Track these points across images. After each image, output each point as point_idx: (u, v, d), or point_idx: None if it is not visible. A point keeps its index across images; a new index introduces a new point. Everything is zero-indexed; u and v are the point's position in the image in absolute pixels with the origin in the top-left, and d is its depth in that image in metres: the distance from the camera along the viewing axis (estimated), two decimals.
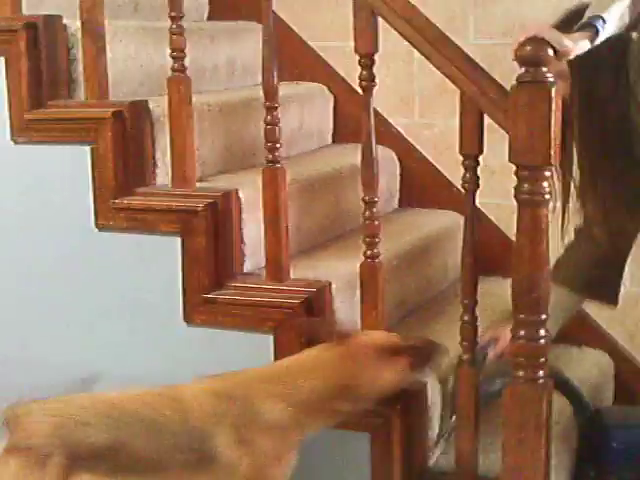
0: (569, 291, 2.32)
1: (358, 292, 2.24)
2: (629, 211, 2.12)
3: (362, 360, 1.97)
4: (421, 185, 3.18)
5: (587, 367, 2.89)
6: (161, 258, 2.35)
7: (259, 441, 1.96)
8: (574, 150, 2.08)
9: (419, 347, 2.04)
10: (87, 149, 2.38)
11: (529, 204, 1.99)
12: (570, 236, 2.28)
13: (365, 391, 1.97)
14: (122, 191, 2.38)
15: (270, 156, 2.29)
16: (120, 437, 1.97)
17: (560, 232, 2.19)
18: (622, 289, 2.40)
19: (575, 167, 2.10)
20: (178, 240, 2.31)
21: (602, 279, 2.32)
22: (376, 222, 2.20)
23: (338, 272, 2.38)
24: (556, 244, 2.29)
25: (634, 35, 2.03)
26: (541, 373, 2.04)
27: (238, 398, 1.98)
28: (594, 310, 2.97)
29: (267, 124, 2.29)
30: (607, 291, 2.36)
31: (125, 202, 2.38)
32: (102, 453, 1.96)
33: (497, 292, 2.73)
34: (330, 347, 2.01)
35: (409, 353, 2.00)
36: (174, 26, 2.35)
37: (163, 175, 2.44)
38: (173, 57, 2.36)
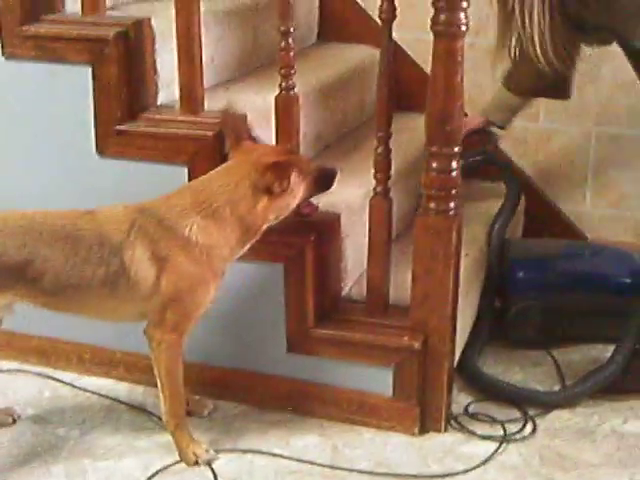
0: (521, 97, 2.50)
1: (274, 125, 2.20)
2: (570, 38, 2.18)
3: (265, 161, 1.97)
4: (340, 19, 3.10)
5: (498, 201, 2.89)
6: (72, 89, 2.28)
7: (174, 258, 1.96)
8: None
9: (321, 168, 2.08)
10: None
11: (444, 35, 1.97)
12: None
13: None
14: (29, 18, 2.28)
15: None
16: (38, 250, 1.95)
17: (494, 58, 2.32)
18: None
19: None
20: (89, 70, 2.24)
21: (554, 84, 2.40)
22: (291, 53, 2.14)
23: (254, 105, 2.33)
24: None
25: None
26: (452, 205, 2.08)
27: (151, 212, 1.98)
28: (507, 146, 2.99)
29: None
30: (561, 90, 2.46)
31: (32, 30, 2.27)
32: (20, 268, 1.95)
33: (413, 127, 2.73)
34: (233, 157, 2.03)
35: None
36: None
37: (72, 2, 2.34)
38: None
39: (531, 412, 2.29)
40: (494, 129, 2.67)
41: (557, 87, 2.44)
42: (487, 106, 2.64)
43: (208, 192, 1.99)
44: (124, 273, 1.96)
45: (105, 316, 2.09)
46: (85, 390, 2.40)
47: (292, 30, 2.13)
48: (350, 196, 2.32)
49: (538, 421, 2.26)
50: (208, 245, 1.98)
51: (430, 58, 2.00)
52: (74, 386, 2.42)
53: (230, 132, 2.06)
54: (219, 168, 2.05)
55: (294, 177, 2.00)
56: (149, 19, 2.27)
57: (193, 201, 1.99)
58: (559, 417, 2.28)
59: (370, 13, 2.99)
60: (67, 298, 2.01)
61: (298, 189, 2.02)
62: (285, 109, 2.17)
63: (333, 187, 2.10)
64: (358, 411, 2.24)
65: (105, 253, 1.96)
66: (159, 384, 2.07)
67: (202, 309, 2.04)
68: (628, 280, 2.53)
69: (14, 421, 2.27)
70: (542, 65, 2.20)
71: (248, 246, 2.05)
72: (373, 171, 2.17)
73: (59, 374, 2.47)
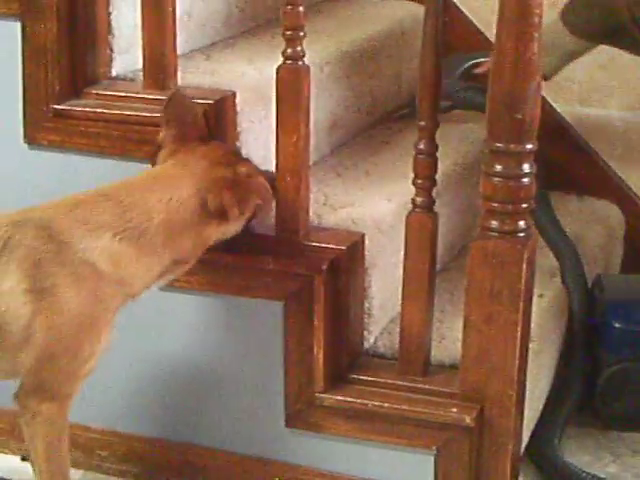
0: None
1: (274, 108, 2.22)
2: None
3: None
4: None
5: (589, 223, 2.96)
6: None
7: (63, 291, 1.94)
8: None
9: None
10: None
11: None
12: None
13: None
14: None
15: None
16: None
17: None
18: None
19: None
20: (17, 25, 2.27)
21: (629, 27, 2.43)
22: (300, 8, 2.15)
23: (247, 79, 2.37)
24: None
25: None
26: (522, 224, 2.07)
27: (38, 223, 1.97)
28: (605, 146, 3.00)
29: None
30: (630, 39, 2.47)
31: None
32: None
33: (469, 116, 2.77)
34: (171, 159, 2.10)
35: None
36: None
37: None
38: None
39: None
40: None
41: (633, 34, 2.43)
42: None
43: (140, 208, 2.00)
44: None
45: None
46: None
47: None
48: (378, 210, 2.35)
49: None
50: (119, 277, 1.98)
51: (495, 18, 2.00)
52: None
53: (174, 125, 2.12)
54: (153, 172, 2.11)
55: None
56: None
57: (115, 217, 1.99)
58: None
59: None
60: None
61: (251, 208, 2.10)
62: (290, 86, 2.18)
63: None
64: None
65: None
66: (35, 472, 2.05)
67: (91, 364, 2.02)
68: None
69: None
70: None
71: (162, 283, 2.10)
72: (412, 175, 2.17)
73: None
